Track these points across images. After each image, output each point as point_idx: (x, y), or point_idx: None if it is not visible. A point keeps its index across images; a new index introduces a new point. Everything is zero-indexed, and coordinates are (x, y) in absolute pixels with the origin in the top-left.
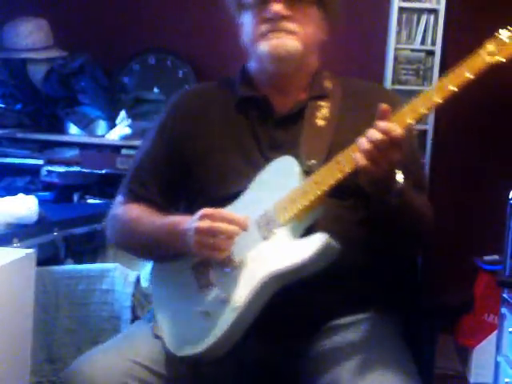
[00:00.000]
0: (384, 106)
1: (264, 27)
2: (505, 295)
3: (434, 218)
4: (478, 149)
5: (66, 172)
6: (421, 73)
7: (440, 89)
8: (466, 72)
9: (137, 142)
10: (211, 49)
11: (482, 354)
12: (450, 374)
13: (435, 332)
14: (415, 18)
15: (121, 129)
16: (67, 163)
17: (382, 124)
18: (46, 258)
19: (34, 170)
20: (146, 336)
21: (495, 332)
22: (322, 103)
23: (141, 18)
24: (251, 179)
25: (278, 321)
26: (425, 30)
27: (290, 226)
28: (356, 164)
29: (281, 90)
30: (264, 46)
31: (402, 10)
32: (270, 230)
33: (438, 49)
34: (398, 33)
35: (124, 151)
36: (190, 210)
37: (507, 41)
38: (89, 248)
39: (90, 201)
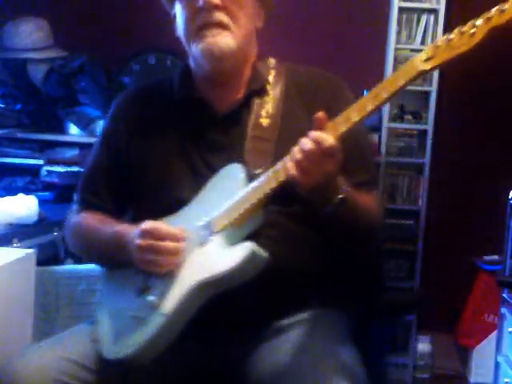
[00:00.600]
0: (320, 115)
1: (196, 21)
2: (505, 295)
3: (383, 211)
4: (477, 149)
5: (66, 172)
6: None
7: (374, 96)
8: (399, 79)
9: None
10: None
11: (482, 354)
12: (450, 374)
13: (386, 329)
14: (415, 17)
15: None
16: (67, 163)
17: (313, 134)
18: (46, 258)
19: (34, 170)
20: (83, 336)
21: (495, 332)
22: (265, 98)
23: (141, 18)
24: (192, 183)
25: (219, 323)
26: (425, 30)
27: (228, 233)
28: (287, 174)
29: (220, 88)
30: (198, 47)
31: (402, 9)
32: (207, 237)
33: None
34: (398, 33)
35: None
36: (137, 215)
37: (439, 44)
38: None
39: None
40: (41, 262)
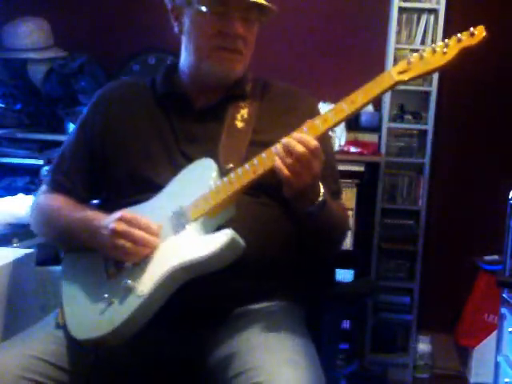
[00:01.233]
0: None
1: (218, 40)
2: (505, 295)
3: (348, 220)
4: (477, 149)
5: None
6: None
7: (351, 102)
8: (375, 88)
9: None
10: None
11: (482, 354)
12: (450, 374)
13: (338, 320)
14: (415, 17)
15: None
16: None
17: (297, 135)
18: (46, 258)
19: (34, 170)
20: (46, 331)
21: (495, 332)
22: (242, 104)
23: (141, 18)
24: (168, 170)
25: (180, 310)
26: (425, 30)
27: (202, 222)
28: (281, 175)
29: (202, 89)
30: (213, 65)
31: (402, 9)
32: (181, 225)
33: None
34: (398, 33)
35: None
36: (110, 198)
37: (412, 60)
38: None
39: None
40: (41, 262)
